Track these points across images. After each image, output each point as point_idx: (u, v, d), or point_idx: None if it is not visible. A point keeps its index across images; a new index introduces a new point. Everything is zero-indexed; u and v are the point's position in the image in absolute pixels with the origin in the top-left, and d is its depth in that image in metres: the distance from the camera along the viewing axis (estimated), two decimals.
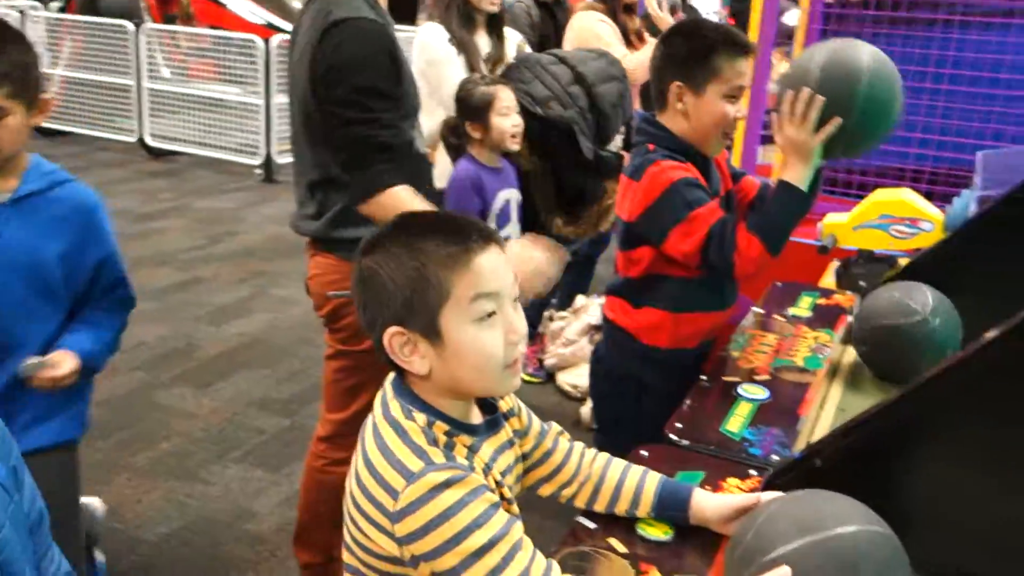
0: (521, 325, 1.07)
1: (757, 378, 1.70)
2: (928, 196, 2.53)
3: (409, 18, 7.34)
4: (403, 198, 1.94)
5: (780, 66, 4.14)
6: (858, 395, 1.69)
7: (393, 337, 1.04)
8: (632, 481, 1.24)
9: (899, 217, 2.21)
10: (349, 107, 1.90)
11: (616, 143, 2.85)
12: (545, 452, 1.23)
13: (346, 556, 1.11)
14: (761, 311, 2.09)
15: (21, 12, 7.68)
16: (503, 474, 1.13)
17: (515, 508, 1.13)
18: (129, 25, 7.20)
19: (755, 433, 1.49)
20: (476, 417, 1.13)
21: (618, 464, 1.26)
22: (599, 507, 1.24)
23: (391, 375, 1.12)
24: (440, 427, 1.05)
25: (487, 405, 1.16)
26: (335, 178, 2.00)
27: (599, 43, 3.31)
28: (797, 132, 1.69)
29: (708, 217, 1.76)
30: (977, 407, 1.13)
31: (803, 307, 2.12)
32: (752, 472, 1.36)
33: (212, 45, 7.29)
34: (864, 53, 1.66)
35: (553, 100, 2.68)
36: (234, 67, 6.93)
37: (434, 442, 1.03)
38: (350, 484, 1.07)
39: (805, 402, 1.62)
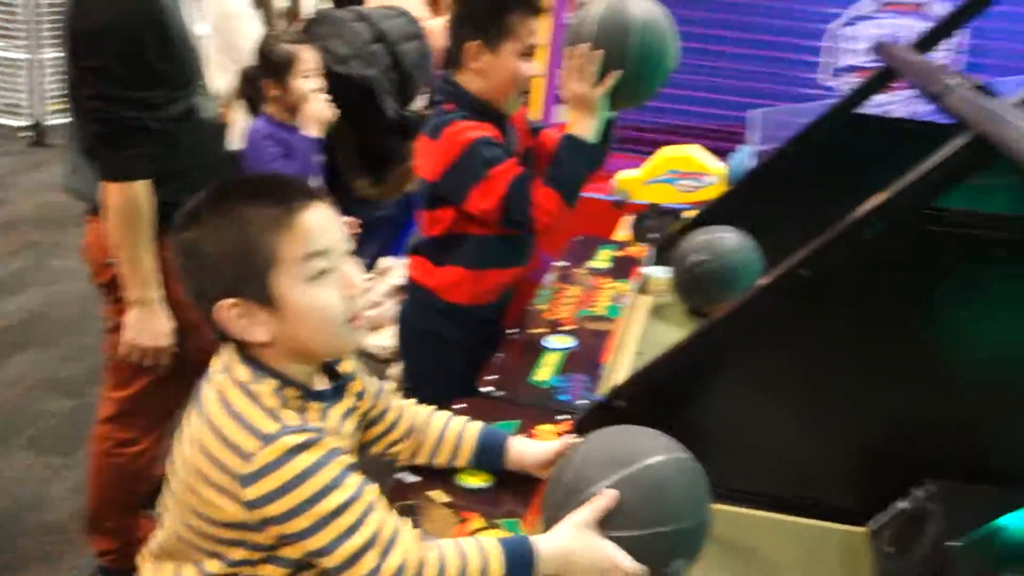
0: (358, 278, 1.06)
1: (563, 329, 1.78)
2: (712, 151, 2.71)
3: None
4: (135, 196, 1.80)
5: None
6: (654, 339, 1.81)
7: (226, 310, 1.01)
8: (453, 431, 1.27)
9: (685, 172, 2.37)
10: (99, 80, 1.75)
11: (420, 103, 2.85)
12: (381, 411, 1.24)
13: (179, 528, 1.06)
14: (564, 264, 2.18)
15: None
16: (349, 439, 1.13)
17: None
18: None
19: (563, 380, 1.56)
20: (322, 383, 1.13)
21: (441, 416, 1.29)
22: (421, 459, 1.27)
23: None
24: (291, 391, 1.04)
25: (331, 371, 1.15)
26: None
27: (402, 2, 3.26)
28: (579, 86, 1.76)
29: (506, 174, 1.80)
30: (756, 343, 1.25)
31: (602, 260, 2.23)
32: (562, 417, 1.43)
33: None
34: (636, 6, 1.75)
35: (354, 58, 2.63)
36: None
37: (286, 405, 1.02)
38: (185, 452, 1.04)
39: (607, 348, 1.72)
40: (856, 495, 1.26)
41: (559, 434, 1.37)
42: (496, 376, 1.57)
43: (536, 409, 1.47)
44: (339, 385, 1.15)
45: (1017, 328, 1.17)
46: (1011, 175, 1.02)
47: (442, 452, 1.26)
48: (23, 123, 6.16)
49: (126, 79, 1.74)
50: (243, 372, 1.04)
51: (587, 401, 1.47)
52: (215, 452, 0.99)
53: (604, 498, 1.00)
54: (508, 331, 1.78)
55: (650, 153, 2.82)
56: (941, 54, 2.92)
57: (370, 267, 3.98)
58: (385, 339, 3.59)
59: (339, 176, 2.68)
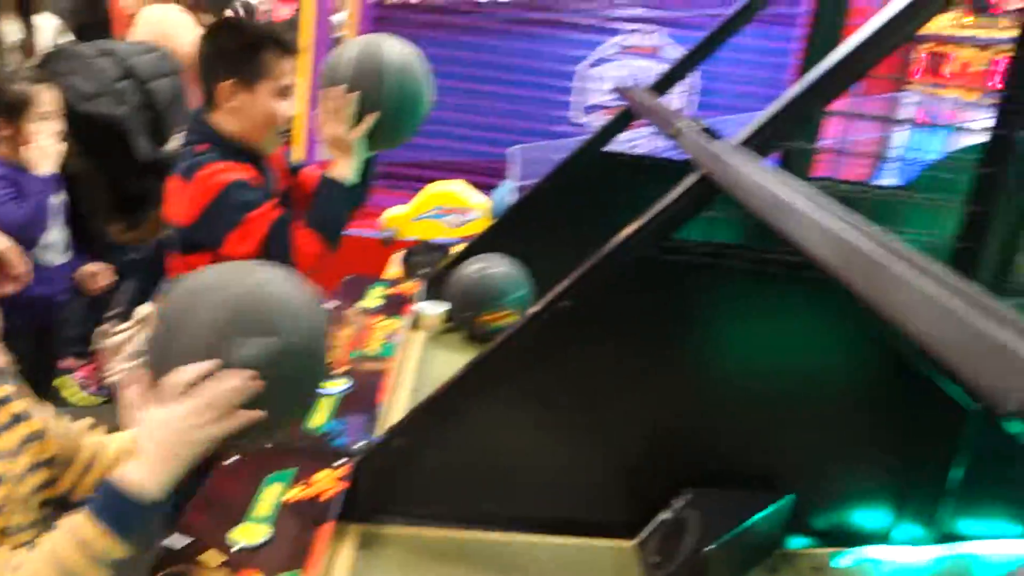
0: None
1: (336, 372, 1.77)
2: (477, 186, 2.81)
3: None
4: None
5: None
6: (430, 374, 1.84)
7: None
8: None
9: (450, 208, 2.43)
10: None
11: (175, 142, 2.73)
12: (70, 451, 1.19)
13: None
14: (335, 305, 2.17)
15: None
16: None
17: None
18: None
19: (339, 424, 1.55)
20: None
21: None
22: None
23: None
24: None
25: None
26: None
27: (176, 41, 3.09)
28: (335, 128, 1.78)
29: (265, 217, 1.76)
30: (525, 370, 1.31)
31: (374, 298, 2.24)
32: (340, 462, 1.41)
33: None
34: (390, 49, 1.79)
35: (101, 96, 2.49)
36: None
37: None
38: None
39: (381, 389, 1.72)
40: (624, 510, 1.35)
41: (338, 479, 1.36)
42: None
43: (312, 456, 1.44)
44: None
45: (746, 343, 1.31)
46: (732, 209, 1.14)
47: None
48: None
49: None
50: None
51: (364, 443, 1.47)
52: None
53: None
54: None
55: (417, 190, 2.88)
56: (678, 94, 3.20)
57: (127, 315, 3.73)
58: None
59: (87, 219, 2.51)
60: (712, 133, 1.48)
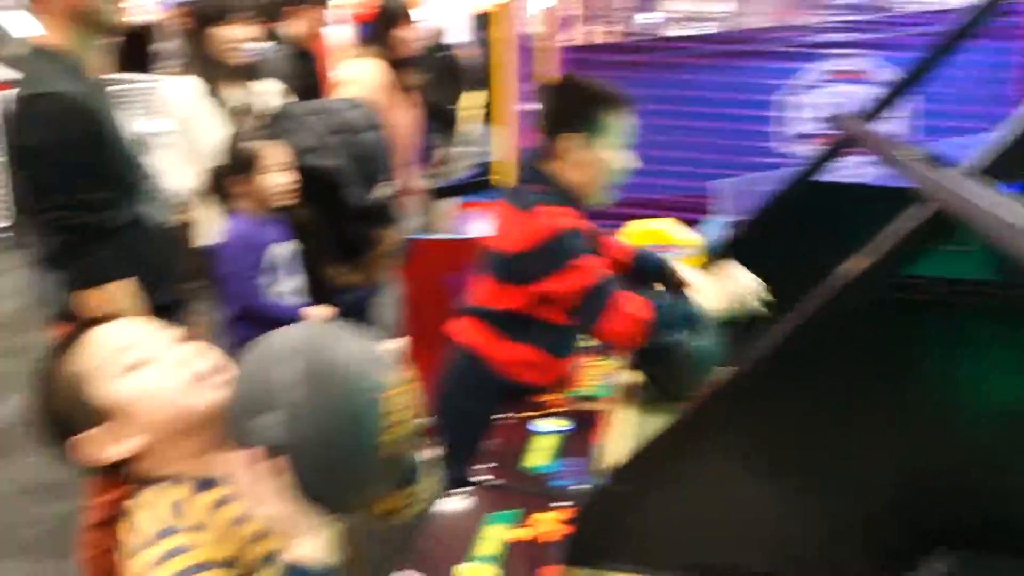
0: (196, 352, 1.07)
1: (555, 410, 1.79)
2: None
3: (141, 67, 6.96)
4: (112, 298, 1.80)
5: None
6: (648, 416, 1.81)
7: (87, 447, 1.05)
8: None
9: (659, 246, 2.40)
10: (50, 192, 1.76)
11: (385, 190, 2.89)
12: None
13: None
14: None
15: None
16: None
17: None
18: None
19: (559, 465, 1.56)
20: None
21: None
22: None
23: None
24: (181, 489, 1.06)
25: None
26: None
27: (375, 93, 3.30)
28: None
29: (591, 269, 1.79)
30: (749, 418, 1.26)
31: (589, 337, 2.23)
32: (562, 504, 1.42)
33: None
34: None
35: (316, 150, 2.67)
36: None
37: (177, 512, 1.04)
38: None
39: (605, 429, 1.72)
40: (863, 568, 1.27)
41: (560, 522, 1.36)
42: (488, 464, 1.56)
43: (530, 497, 1.46)
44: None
45: (999, 386, 1.20)
46: (972, 242, 1.05)
47: None
48: (2, 224, 6.09)
49: (71, 187, 1.75)
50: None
51: (582, 486, 1.47)
52: None
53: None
54: (497, 416, 1.78)
55: (616, 228, 2.87)
56: (894, 118, 3.04)
57: None
58: None
59: (313, 265, 2.69)
60: (937, 159, 1.39)
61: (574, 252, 1.79)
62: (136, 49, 9.08)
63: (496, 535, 1.35)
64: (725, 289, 1.96)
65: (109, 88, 1.95)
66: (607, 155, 1.88)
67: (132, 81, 5.67)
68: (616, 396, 1.89)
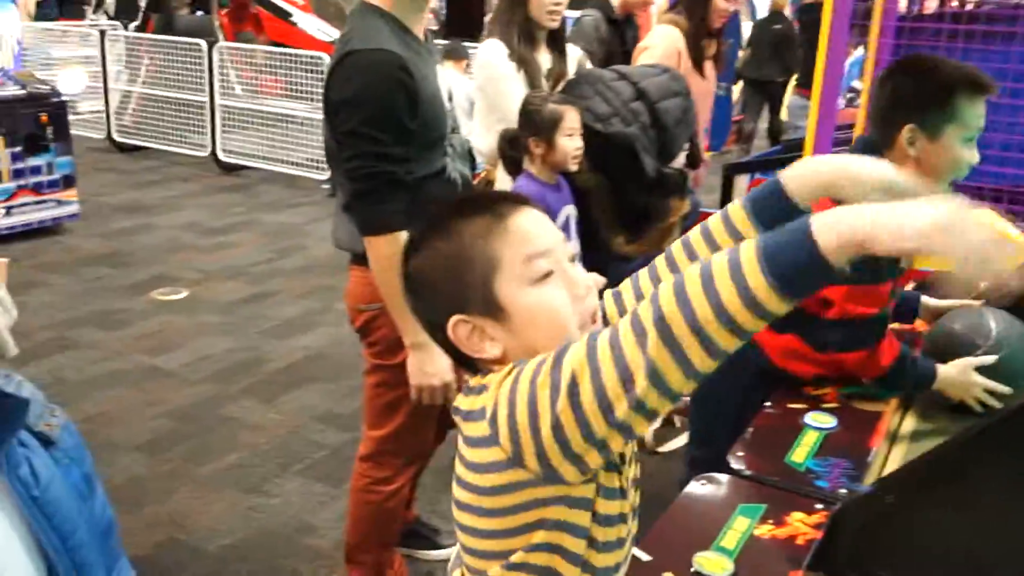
0: (585, 277, 0.98)
1: (825, 406, 1.65)
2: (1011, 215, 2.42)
3: (471, 33, 7.39)
4: (399, 247, 1.87)
5: None
6: (932, 424, 1.62)
7: (456, 327, 0.97)
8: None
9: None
10: (359, 140, 1.86)
11: (680, 160, 2.81)
12: None
13: (468, 559, 1.01)
14: None
15: (102, 32, 7.95)
16: None
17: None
18: (203, 43, 7.39)
19: (821, 464, 1.43)
20: None
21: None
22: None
23: None
24: None
25: None
26: None
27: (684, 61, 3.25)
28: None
29: (885, 300, 1.67)
30: None
31: None
32: (818, 506, 1.31)
33: (280, 62, 7.44)
34: None
35: (614, 116, 2.65)
36: (302, 84, 7.06)
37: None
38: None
39: (877, 433, 1.56)
40: None
41: (813, 525, 1.25)
42: (747, 453, 1.47)
43: (788, 493, 1.35)
44: None
45: None
46: None
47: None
48: (324, 176, 6.83)
49: (380, 138, 1.85)
50: None
51: (848, 491, 1.34)
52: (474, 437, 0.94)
53: None
54: (765, 406, 1.67)
55: None
56: None
57: None
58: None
59: (595, 232, 2.69)
60: None
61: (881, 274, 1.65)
62: (468, 13, 9.69)
63: (743, 528, 1.27)
64: None
65: (431, 48, 2.05)
66: (953, 149, 1.66)
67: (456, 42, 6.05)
68: (900, 399, 1.70)
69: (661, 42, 3.34)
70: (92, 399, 3.52)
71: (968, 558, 1.16)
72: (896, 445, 1.59)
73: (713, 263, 0.81)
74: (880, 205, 0.80)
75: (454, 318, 0.97)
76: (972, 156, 1.69)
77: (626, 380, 0.80)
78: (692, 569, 1.17)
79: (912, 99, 1.69)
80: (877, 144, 1.73)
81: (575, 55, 3.01)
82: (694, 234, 1.08)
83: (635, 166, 2.69)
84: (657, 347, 0.79)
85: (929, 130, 1.66)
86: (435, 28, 9.45)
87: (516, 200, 1.00)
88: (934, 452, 1.19)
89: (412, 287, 1.03)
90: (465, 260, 0.96)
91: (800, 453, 1.47)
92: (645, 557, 1.20)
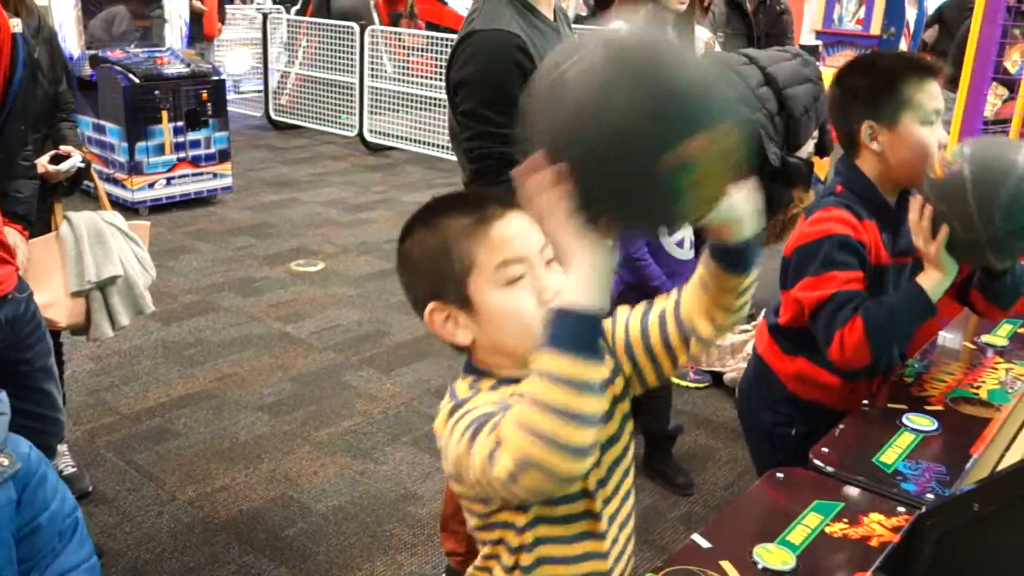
0: (556, 285, 1.01)
1: (928, 408, 1.54)
2: None
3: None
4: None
5: None
6: None
7: (433, 313, 1.08)
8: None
9: None
10: (476, 121, 1.88)
11: (808, 149, 2.70)
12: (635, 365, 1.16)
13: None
14: (949, 335, 1.90)
15: (264, 15, 8.36)
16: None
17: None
18: (355, 27, 7.65)
19: (912, 467, 1.35)
20: None
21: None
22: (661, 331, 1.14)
23: None
24: (487, 381, 1.08)
25: None
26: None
27: None
28: (923, 244, 1.58)
29: (842, 283, 1.60)
30: None
31: (1000, 335, 1.90)
32: (900, 509, 1.23)
33: (430, 44, 7.61)
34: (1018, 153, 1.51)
35: (740, 102, 2.57)
36: None
37: (474, 389, 1.07)
38: None
39: (981, 440, 1.45)
40: None
41: (892, 528, 1.18)
42: (831, 449, 1.40)
43: (870, 493, 1.28)
44: None
45: None
46: None
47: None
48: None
49: (496, 119, 1.86)
50: (460, 379, 1.11)
51: (936, 496, 1.25)
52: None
53: None
54: (862, 403, 1.59)
55: None
56: None
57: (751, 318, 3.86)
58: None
59: None
60: None
61: (830, 261, 1.61)
62: None
63: (814, 524, 1.21)
64: None
65: (562, 27, 2.04)
66: (914, 134, 1.63)
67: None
68: (1014, 406, 1.57)
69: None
70: (227, 360, 3.73)
71: None
72: (1009, 455, 1.47)
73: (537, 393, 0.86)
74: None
75: (432, 304, 1.08)
76: (939, 136, 1.64)
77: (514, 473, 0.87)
78: (751, 560, 1.13)
79: (863, 95, 1.68)
80: (843, 147, 1.75)
81: (703, 38, 2.94)
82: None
83: (759, 154, 2.60)
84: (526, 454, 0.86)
85: (886, 121, 1.64)
86: (584, 14, 9.42)
87: (505, 204, 1.06)
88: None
89: (402, 265, 1.13)
90: (445, 255, 1.06)
91: (891, 454, 1.39)
92: (705, 544, 1.17)
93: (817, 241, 1.64)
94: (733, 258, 1.05)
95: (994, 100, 3.85)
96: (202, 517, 2.67)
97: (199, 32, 7.57)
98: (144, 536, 2.58)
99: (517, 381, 1.02)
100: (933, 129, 1.65)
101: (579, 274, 0.87)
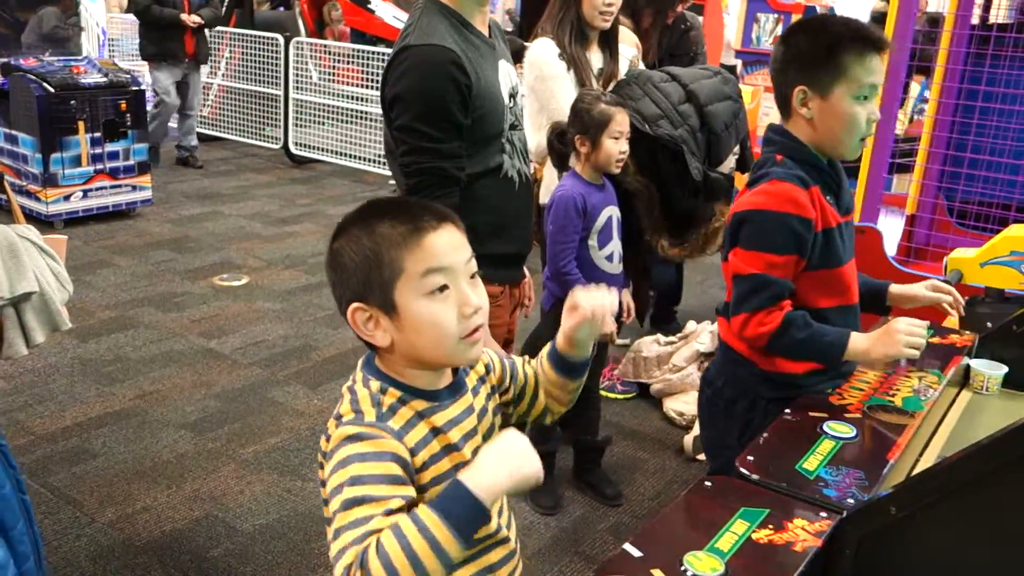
0: (476, 299, 1.12)
1: (847, 416, 1.60)
2: None
3: None
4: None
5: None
6: (962, 443, 1.56)
7: (355, 312, 1.12)
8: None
9: None
10: (412, 136, 1.88)
11: (729, 164, 2.77)
12: (520, 386, 1.32)
13: None
14: None
15: None
16: (464, 438, 1.17)
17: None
18: (279, 38, 7.56)
19: (832, 473, 1.39)
20: (444, 384, 1.19)
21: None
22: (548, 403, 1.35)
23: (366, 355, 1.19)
24: (392, 394, 1.12)
25: (456, 372, 1.21)
26: None
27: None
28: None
29: (766, 266, 1.65)
30: None
31: None
32: (823, 514, 1.27)
33: (355, 55, 7.56)
34: None
35: (662, 119, 2.63)
36: (376, 77, 7.17)
37: (377, 404, 1.10)
38: None
39: (897, 446, 1.51)
40: None
41: (813, 533, 1.22)
42: (757, 457, 1.44)
43: (793, 500, 1.32)
44: (454, 384, 1.19)
45: None
46: None
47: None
48: (391, 172, 6.92)
49: (432, 134, 1.86)
50: (358, 377, 1.15)
51: (855, 501, 1.30)
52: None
53: None
54: (784, 413, 1.63)
55: (992, 232, 2.50)
56: None
57: (677, 329, 3.94)
58: (685, 405, 3.51)
59: (639, 234, 2.67)
60: None
61: (761, 240, 1.66)
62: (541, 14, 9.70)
63: (741, 531, 1.24)
64: None
65: (496, 43, 2.04)
66: (844, 107, 1.65)
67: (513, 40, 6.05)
68: (925, 413, 1.64)
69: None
70: (148, 377, 3.63)
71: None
72: (923, 460, 1.54)
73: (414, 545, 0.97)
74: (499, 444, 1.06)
75: (355, 304, 1.12)
76: (870, 113, 1.67)
77: None
78: (681, 568, 1.15)
79: (802, 59, 1.68)
80: (778, 109, 1.75)
81: (627, 56, 2.99)
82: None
83: (681, 169, 2.66)
84: None
85: (819, 89, 1.66)
86: (509, 29, 9.49)
87: (441, 217, 1.12)
88: (950, 462, 1.15)
89: (331, 262, 1.15)
90: (376, 260, 1.10)
91: (813, 461, 1.43)
92: (636, 553, 1.18)
93: (756, 211, 1.67)
94: (568, 367, 1.29)
95: (903, 118, 4.02)
96: (123, 540, 2.59)
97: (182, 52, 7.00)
98: (62, 561, 2.49)
99: (420, 395, 1.13)
100: (866, 104, 1.66)
101: (503, 471, 1.02)
